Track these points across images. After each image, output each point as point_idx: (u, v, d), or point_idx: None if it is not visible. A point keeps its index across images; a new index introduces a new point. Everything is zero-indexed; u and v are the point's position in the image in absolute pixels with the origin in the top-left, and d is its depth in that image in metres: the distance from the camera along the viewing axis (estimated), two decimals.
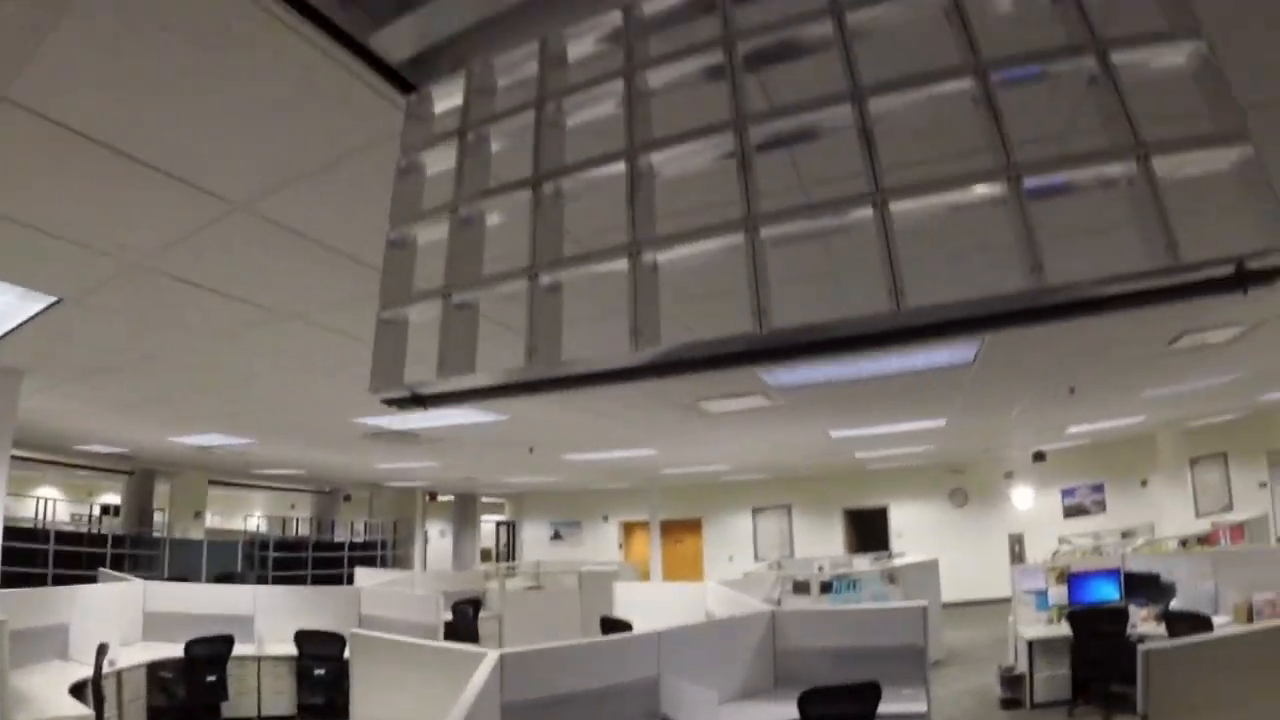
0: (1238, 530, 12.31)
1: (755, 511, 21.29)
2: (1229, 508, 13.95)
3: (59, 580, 12.17)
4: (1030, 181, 1.69)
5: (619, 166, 1.99)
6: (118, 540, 15.16)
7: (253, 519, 21.03)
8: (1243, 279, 1.54)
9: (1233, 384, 10.11)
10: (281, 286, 4.83)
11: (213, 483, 16.76)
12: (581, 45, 2.30)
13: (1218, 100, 1.68)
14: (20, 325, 5.44)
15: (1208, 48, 1.72)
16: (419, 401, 2.27)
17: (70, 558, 13.82)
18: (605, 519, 23.19)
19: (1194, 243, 1.58)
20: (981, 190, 1.75)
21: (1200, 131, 1.62)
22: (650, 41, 2.22)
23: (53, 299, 4.91)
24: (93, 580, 9.52)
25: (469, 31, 2.42)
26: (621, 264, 1.91)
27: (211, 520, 18.09)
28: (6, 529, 7.66)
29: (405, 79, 2.59)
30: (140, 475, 16.25)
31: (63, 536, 14.29)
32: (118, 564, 13.70)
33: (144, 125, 3.01)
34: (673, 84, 2.12)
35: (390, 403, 2.32)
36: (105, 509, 18.66)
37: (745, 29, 2.03)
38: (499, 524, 25.29)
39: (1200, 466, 14.88)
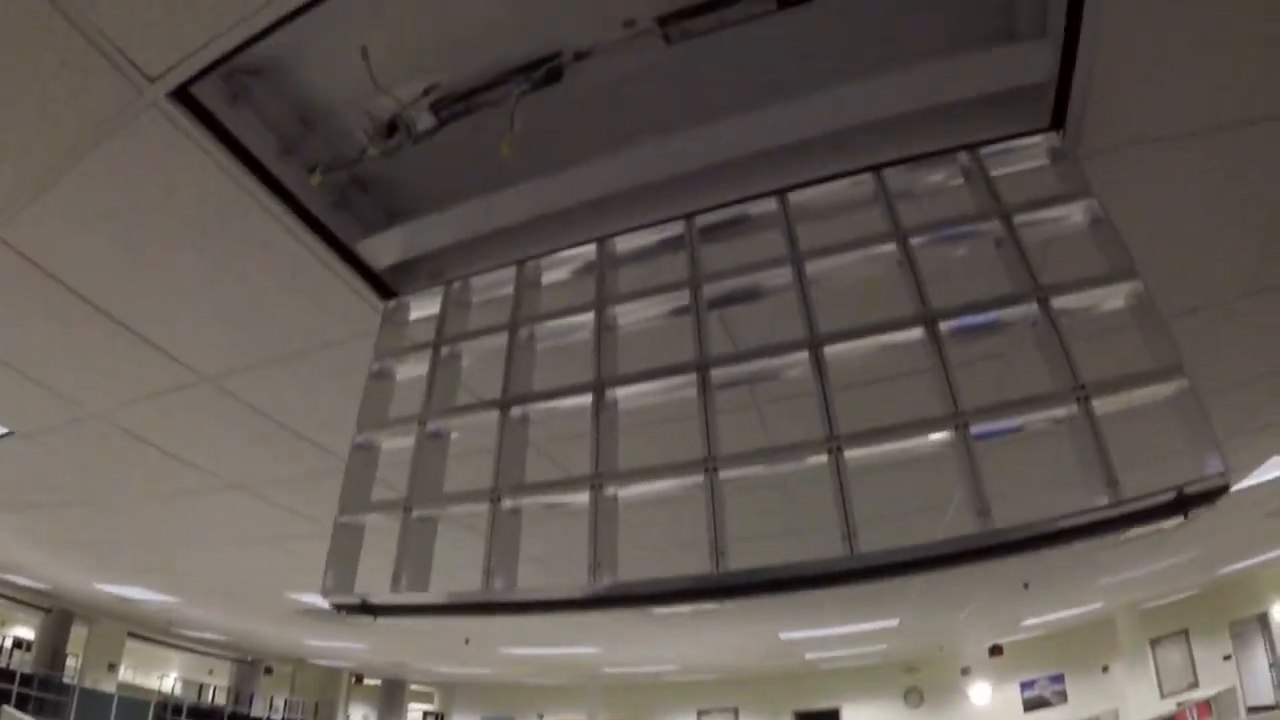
0: (1204, 707, 12.06)
1: (700, 714, 20.41)
2: (1194, 685, 13.72)
3: None
4: (977, 428, 1.83)
5: (585, 399, 2.11)
6: (26, 679, 14.27)
7: (168, 679, 19.95)
8: (1183, 504, 1.65)
9: (1189, 562, 10.19)
10: (234, 457, 4.84)
11: (132, 635, 15.99)
12: (557, 272, 2.47)
13: (1155, 336, 1.85)
14: None
15: (1144, 287, 1.91)
16: (369, 610, 2.30)
17: None
18: (540, 717, 22.14)
19: (1132, 454, 1.70)
20: (932, 438, 1.88)
21: (1138, 369, 1.79)
22: (621, 272, 2.39)
23: (3, 430, 4.88)
24: None
25: (451, 248, 2.59)
26: (583, 497, 1.99)
27: (125, 674, 17.13)
28: None
29: (386, 285, 2.74)
30: (58, 615, 15.45)
31: None
32: (22, 704, 12.86)
33: (127, 288, 3.10)
34: (641, 320, 2.27)
35: (340, 608, 2.34)
36: (18, 643, 17.61)
37: (711, 273, 2.20)
38: (426, 714, 24.09)
39: (1162, 646, 14.69)
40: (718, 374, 2.04)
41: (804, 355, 2.00)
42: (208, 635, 15.71)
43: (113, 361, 3.68)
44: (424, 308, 2.69)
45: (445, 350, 2.44)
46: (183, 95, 2.18)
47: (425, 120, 2.29)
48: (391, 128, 2.34)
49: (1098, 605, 13.63)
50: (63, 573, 10.55)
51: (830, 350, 1.98)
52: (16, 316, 3.39)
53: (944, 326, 1.97)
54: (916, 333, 1.99)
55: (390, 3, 2.11)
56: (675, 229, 2.33)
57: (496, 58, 2.23)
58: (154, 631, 16.08)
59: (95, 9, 1.95)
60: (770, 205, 2.26)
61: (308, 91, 2.38)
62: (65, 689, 15.01)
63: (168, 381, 3.79)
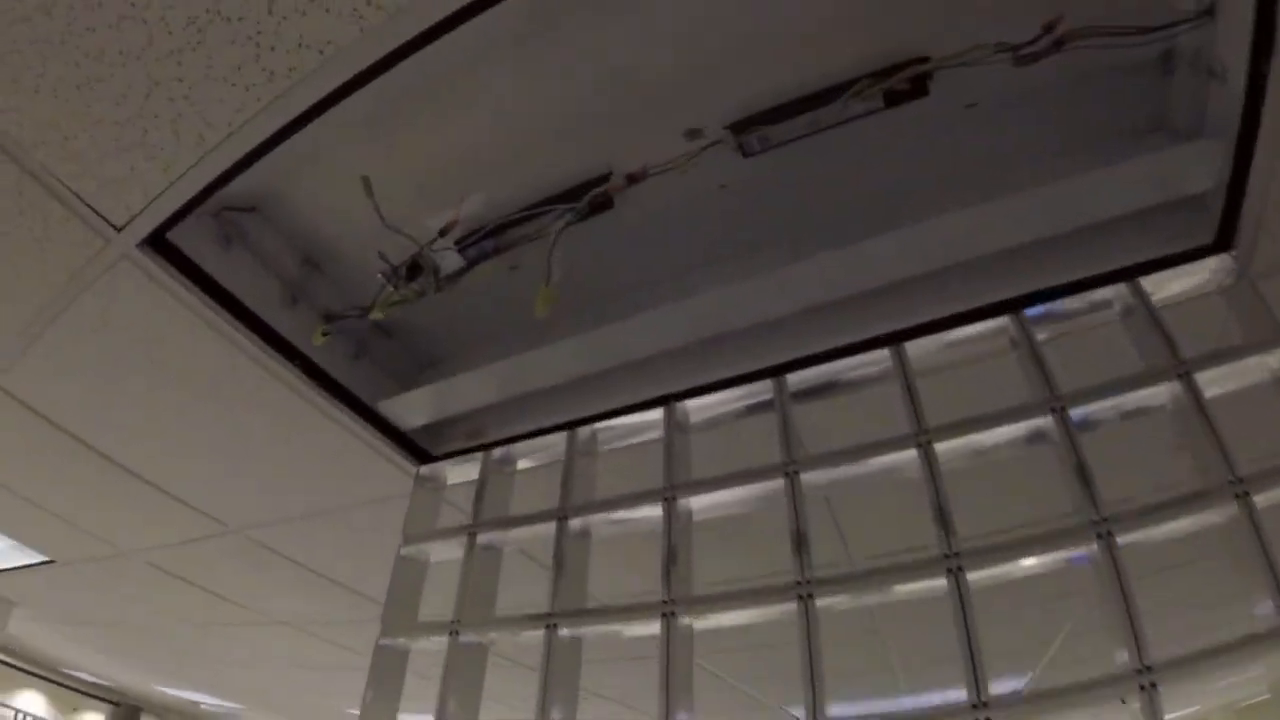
0: None
1: None
2: None
3: None
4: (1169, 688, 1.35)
5: (652, 627, 1.64)
6: None
7: None
8: None
9: None
10: (276, 599, 4.51)
11: None
12: (615, 440, 2.04)
13: None
14: (13, 569, 5.19)
15: None
16: None
17: None
18: None
19: None
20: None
21: None
22: (694, 441, 1.94)
23: (45, 558, 4.66)
24: None
25: (489, 407, 2.18)
26: None
27: None
28: None
29: (417, 445, 2.34)
30: (126, 709, 15.43)
31: None
32: None
33: (134, 440, 2.78)
34: (721, 509, 1.81)
35: None
36: None
37: (811, 458, 1.73)
38: None
39: None
40: (824, 604, 1.56)
41: (941, 583, 1.51)
42: None
43: (135, 508, 3.39)
44: (462, 472, 2.28)
45: (483, 539, 2.00)
46: (158, 243, 1.83)
47: (450, 260, 1.90)
48: (413, 268, 1.95)
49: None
50: (124, 676, 10.56)
51: (975, 577, 1.49)
52: (34, 461, 3.12)
53: (1123, 540, 1.48)
54: (1090, 547, 1.51)
55: (394, 125, 1.73)
56: (761, 391, 1.87)
57: (531, 183, 1.84)
58: None
59: (43, 148, 1.65)
60: (881, 359, 1.79)
61: (312, 228, 2.03)
62: None
63: (194, 530, 3.49)
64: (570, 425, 2.06)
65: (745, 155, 1.68)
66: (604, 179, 1.75)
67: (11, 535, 4.38)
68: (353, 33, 1.39)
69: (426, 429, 2.33)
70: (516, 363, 1.98)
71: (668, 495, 1.77)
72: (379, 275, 1.96)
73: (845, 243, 1.73)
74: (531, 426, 2.15)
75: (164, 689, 10.88)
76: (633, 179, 1.70)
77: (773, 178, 1.79)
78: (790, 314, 1.84)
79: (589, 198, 1.73)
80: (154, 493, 3.14)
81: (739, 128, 1.64)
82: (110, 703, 14.99)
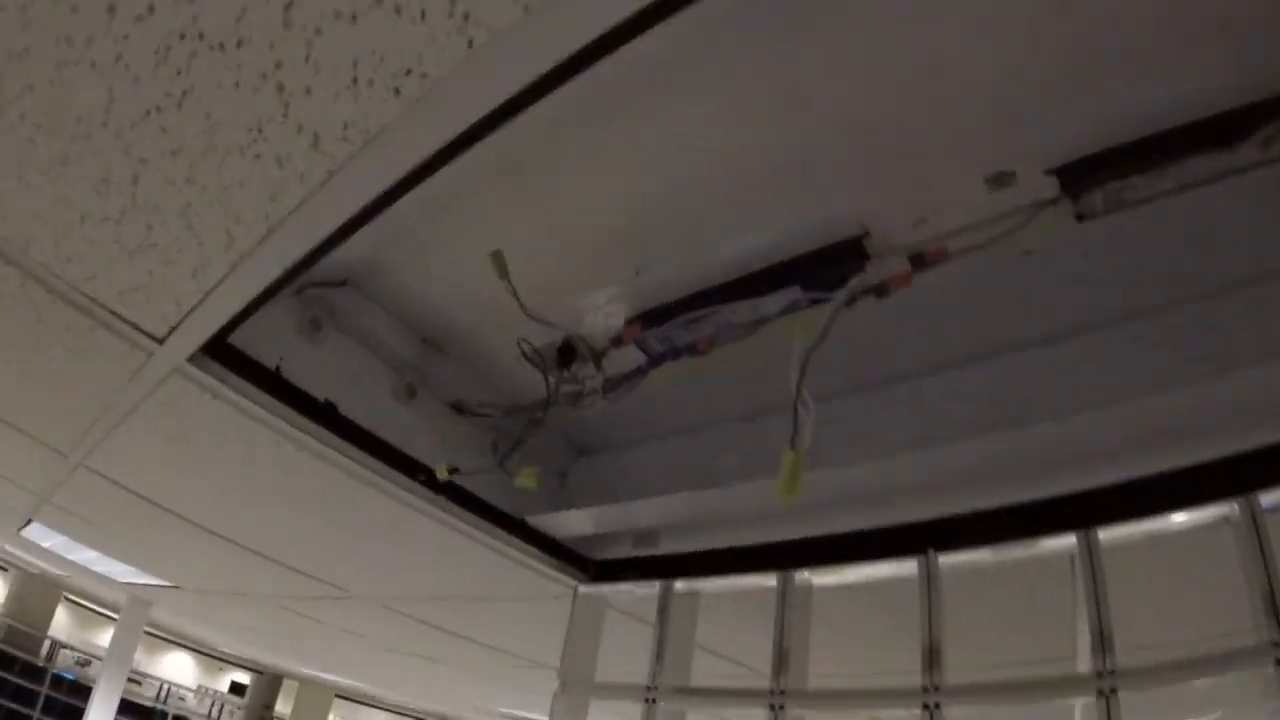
0: None
1: None
2: None
3: None
4: None
5: None
6: None
7: None
8: None
9: None
10: (398, 639, 4.28)
11: (340, 696, 16.47)
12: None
13: None
14: (144, 584, 5.25)
15: None
16: None
17: None
18: None
19: None
20: None
21: None
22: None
23: (170, 584, 4.69)
24: None
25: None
26: None
27: None
28: (125, 704, 7.50)
29: (576, 554, 1.95)
30: (269, 677, 16.28)
31: None
32: None
33: (241, 526, 2.55)
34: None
35: None
36: (234, 686, 18.77)
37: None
38: None
39: None
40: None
41: None
42: (412, 706, 16.06)
43: (251, 571, 3.23)
44: (630, 589, 1.87)
45: (662, 706, 1.58)
46: (217, 349, 1.45)
47: (627, 357, 1.45)
48: (566, 351, 1.51)
49: None
50: (265, 655, 11.07)
51: None
52: (143, 522, 2.93)
53: None
54: None
55: (539, 165, 1.22)
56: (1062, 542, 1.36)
57: (738, 245, 1.29)
58: (360, 696, 16.53)
59: (35, 246, 1.30)
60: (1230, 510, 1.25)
61: (425, 300, 1.62)
62: None
63: (315, 591, 3.30)
64: (774, 556, 1.60)
65: (1080, 219, 1.10)
66: (856, 244, 1.19)
67: (137, 567, 4.51)
68: (457, 53, 0.82)
69: (591, 542, 1.92)
70: (715, 496, 1.53)
71: (929, 702, 1.30)
72: (523, 357, 1.53)
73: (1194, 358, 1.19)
74: (717, 544, 1.70)
75: (300, 669, 11.30)
76: (920, 263, 1.13)
77: (1093, 247, 1.21)
78: (1099, 450, 1.31)
79: (850, 289, 1.16)
80: (268, 563, 2.96)
81: (1069, 178, 1.08)
82: (254, 671, 15.77)
